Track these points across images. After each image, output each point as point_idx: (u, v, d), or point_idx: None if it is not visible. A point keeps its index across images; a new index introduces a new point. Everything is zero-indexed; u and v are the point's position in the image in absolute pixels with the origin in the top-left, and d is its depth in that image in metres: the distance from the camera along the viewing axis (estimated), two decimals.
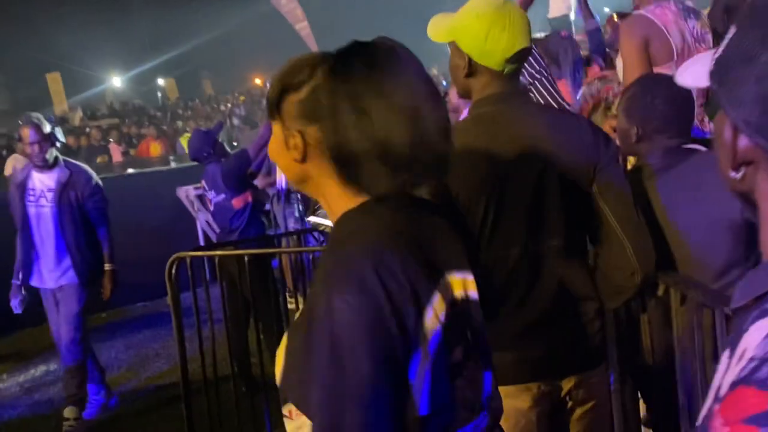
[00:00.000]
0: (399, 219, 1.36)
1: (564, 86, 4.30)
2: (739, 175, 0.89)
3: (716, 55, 0.93)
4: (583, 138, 2.22)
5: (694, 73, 1.01)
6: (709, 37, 3.50)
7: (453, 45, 2.28)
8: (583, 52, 4.85)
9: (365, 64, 1.34)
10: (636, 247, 2.17)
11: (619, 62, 3.51)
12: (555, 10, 10.33)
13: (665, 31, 3.33)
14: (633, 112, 2.66)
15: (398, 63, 1.36)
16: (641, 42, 3.33)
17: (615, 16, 6.83)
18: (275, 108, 1.42)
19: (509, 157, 2.17)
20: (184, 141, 12.14)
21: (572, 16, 10.91)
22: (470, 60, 2.24)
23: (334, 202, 1.40)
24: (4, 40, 28.21)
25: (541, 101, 3.21)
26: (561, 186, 2.18)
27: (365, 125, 1.31)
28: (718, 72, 0.92)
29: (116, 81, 34.60)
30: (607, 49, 5.23)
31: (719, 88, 0.91)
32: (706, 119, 3.40)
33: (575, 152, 2.20)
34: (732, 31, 0.92)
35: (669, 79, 2.78)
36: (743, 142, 0.87)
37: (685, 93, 2.68)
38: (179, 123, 20.80)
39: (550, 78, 3.31)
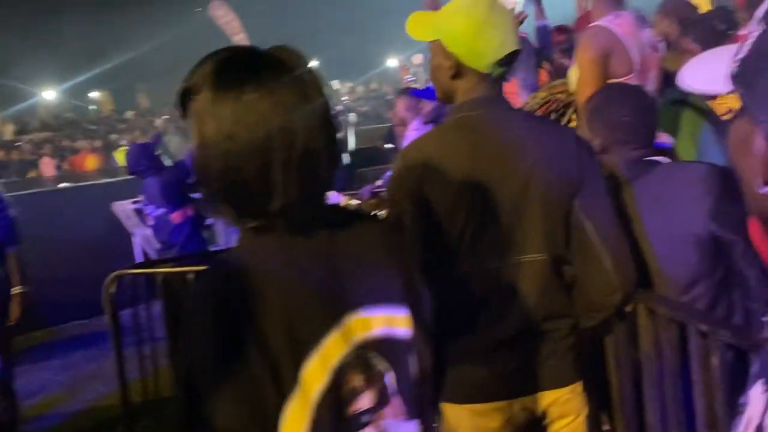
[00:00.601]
0: (279, 256, 1.26)
1: (513, 86, 4.28)
2: None
3: (740, 56, 0.83)
4: (567, 149, 2.13)
5: (703, 77, 0.91)
6: (662, 45, 3.48)
7: (437, 44, 2.17)
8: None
9: (239, 82, 1.25)
10: (617, 265, 2.08)
11: (572, 72, 3.44)
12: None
13: (624, 43, 3.28)
14: (596, 124, 2.59)
15: (276, 80, 1.26)
16: (600, 55, 3.27)
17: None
18: (182, 110, 1.34)
19: (491, 165, 2.07)
20: (119, 155, 11.85)
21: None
22: (457, 61, 2.13)
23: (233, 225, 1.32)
24: None
25: None
26: (543, 198, 2.08)
27: (228, 148, 1.22)
28: (743, 74, 0.81)
29: (49, 94, 33.90)
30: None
31: (747, 92, 0.81)
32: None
33: (559, 163, 2.10)
34: (757, 29, 0.82)
35: (632, 89, 2.73)
36: None
37: (649, 102, 2.63)
38: (114, 136, 20.40)
39: None
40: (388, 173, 3.50)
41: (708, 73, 0.89)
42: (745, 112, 0.81)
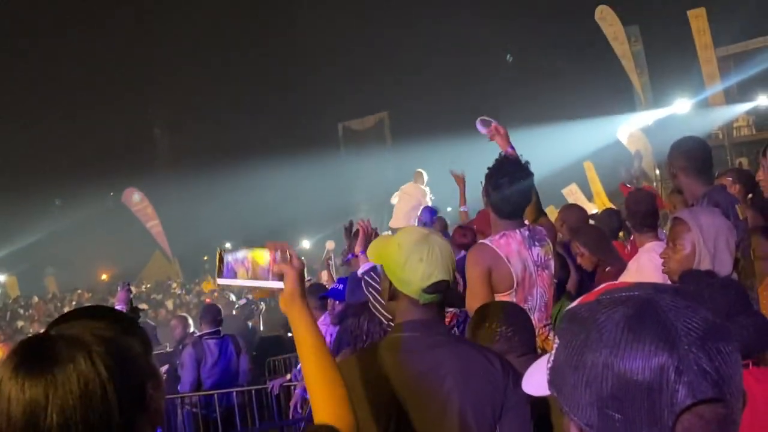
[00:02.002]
0: None
1: None
2: None
3: (549, 365, 1.09)
4: (492, 377, 2.23)
5: (536, 383, 1.15)
6: (552, 263, 3.77)
7: (381, 268, 2.37)
8: None
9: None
10: None
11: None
12: (396, 221, 10.53)
13: (507, 261, 3.56)
14: (478, 340, 2.87)
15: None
16: (484, 271, 3.54)
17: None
18: None
19: (410, 389, 2.17)
20: None
21: (407, 208, 11.02)
22: (391, 285, 2.31)
23: None
24: None
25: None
26: (460, 425, 2.16)
27: None
28: (554, 380, 1.07)
29: None
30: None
31: (559, 395, 1.06)
32: (551, 336, 3.61)
33: (481, 391, 2.20)
34: (557, 341, 1.08)
35: (509, 305, 3.05)
36: None
37: (523, 316, 2.95)
38: (19, 323, 19.73)
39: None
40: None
41: (537, 378, 1.14)
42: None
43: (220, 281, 1.92)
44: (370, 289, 3.57)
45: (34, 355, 1.31)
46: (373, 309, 3.54)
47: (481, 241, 3.71)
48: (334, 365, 1.83)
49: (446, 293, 2.33)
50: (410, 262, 2.24)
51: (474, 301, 3.46)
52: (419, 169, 11.39)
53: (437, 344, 2.27)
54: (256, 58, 39.51)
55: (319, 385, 1.79)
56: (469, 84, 33.44)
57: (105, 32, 38.41)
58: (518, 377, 2.30)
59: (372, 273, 3.68)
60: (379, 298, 3.55)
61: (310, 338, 1.83)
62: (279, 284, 1.87)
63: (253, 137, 36.78)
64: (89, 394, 1.29)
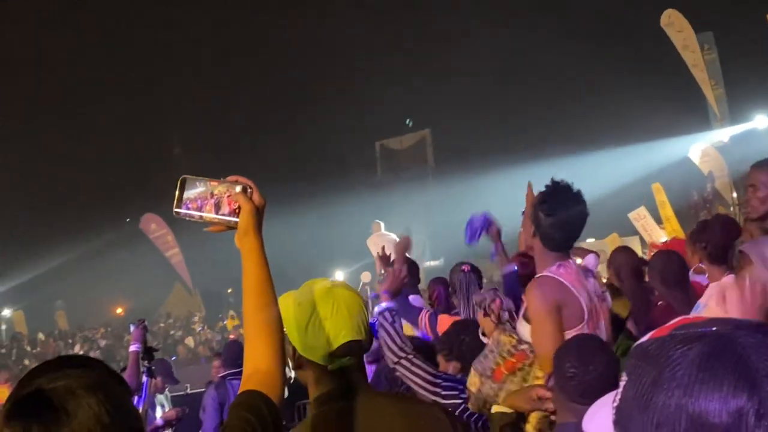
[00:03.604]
0: None
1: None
2: None
3: (615, 404, 1.09)
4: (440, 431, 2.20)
5: (599, 423, 1.16)
6: (608, 295, 3.74)
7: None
8: None
9: None
10: None
11: (522, 326, 3.66)
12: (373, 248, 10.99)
13: (575, 292, 3.48)
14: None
15: None
16: (553, 306, 3.44)
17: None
18: None
19: None
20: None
21: (381, 262, 12.03)
22: (295, 351, 2.17)
23: None
24: None
25: (410, 383, 3.40)
26: None
27: None
28: (620, 420, 1.08)
29: None
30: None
31: None
32: None
33: None
34: (624, 378, 1.08)
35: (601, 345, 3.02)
36: None
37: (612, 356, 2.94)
38: (27, 362, 20.05)
39: (411, 356, 3.52)
40: None
41: (601, 417, 1.14)
42: None
43: (177, 211, 1.97)
44: (382, 331, 3.58)
45: (41, 412, 1.37)
46: (385, 350, 3.58)
47: (542, 273, 3.64)
48: (277, 309, 1.88)
49: (360, 354, 2.19)
50: (313, 323, 2.12)
51: (543, 339, 3.39)
52: (376, 220, 12.81)
53: (375, 407, 2.15)
54: (283, 73, 39.83)
55: (256, 325, 1.85)
56: (519, 101, 33.30)
57: (122, 52, 39.09)
58: (468, 429, 2.38)
59: (387, 313, 3.67)
60: (389, 340, 3.57)
61: (259, 271, 1.89)
62: (234, 219, 1.93)
63: (281, 159, 37.01)
64: None
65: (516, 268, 5.09)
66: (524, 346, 3.53)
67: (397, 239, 12.02)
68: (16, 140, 35.89)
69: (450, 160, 29.49)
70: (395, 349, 3.51)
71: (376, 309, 3.87)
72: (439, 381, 3.44)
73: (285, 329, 2.08)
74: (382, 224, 12.88)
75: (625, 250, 6.20)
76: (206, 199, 1.95)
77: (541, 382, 3.27)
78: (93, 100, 38.51)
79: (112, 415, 1.39)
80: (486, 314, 3.50)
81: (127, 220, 35.34)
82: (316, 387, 2.17)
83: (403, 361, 3.51)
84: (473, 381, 3.44)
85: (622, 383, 1.08)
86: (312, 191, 30.32)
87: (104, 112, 37.81)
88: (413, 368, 3.50)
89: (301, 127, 37.82)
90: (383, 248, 4.97)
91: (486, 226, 5.12)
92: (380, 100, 33.92)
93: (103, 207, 33.95)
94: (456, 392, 3.54)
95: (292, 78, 39.42)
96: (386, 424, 2.11)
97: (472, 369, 3.51)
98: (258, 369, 1.78)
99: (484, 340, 3.79)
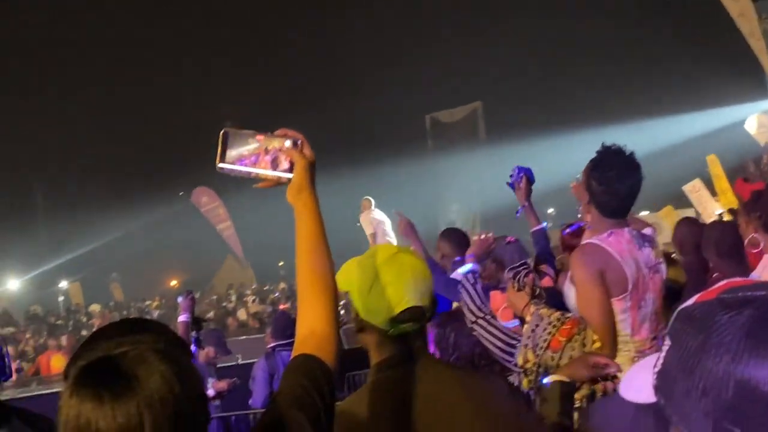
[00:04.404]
0: None
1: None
2: None
3: (657, 369, 1.06)
4: (501, 404, 2.19)
5: (638, 387, 1.13)
6: (663, 266, 3.68)
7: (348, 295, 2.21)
8: None
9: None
10: None
11: (569, 289, 3.65)
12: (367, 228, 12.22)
13: (620, 260, 3.47)
14: None
15: None
16: (596, 272, 3.45)
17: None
18: None
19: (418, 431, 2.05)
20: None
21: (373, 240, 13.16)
22: (357, 314, 2.18)
23: None
24: None
25: (486, 342, 3.41)
26: None
27: None
28: (662, 386, 1.05)
29: (12, 284, 33.93)
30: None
31: (667, 403, 1.03)
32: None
33: (494, 419, 2.13)
34: (667, 342, 1.06)
35: None
36: None
37: None
38: (84, 332, 20.41)
39: (489, 317, 3.54)
40: None
41: (639, 382, 1.12)
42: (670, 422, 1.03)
43: (221, 166, 1.87)
44: (464, 292, 3.65)
45: (112, 379, 1.33)
46: (464, 310, 3.63)
47: (588, 240, 3.62)
48: (332, 268, 1.84)
49: (423, 321, 2.17)
50: (376, 287, 2.12)
51: (589, 307, 3.40)
52: (366, 197, 13.20)
53: (436, 379, 2.14)
54: (331, 46, 39.82)
55: (313, 285, 1.80)
56: (571, 71, 32.87)
57: (173, 24, 39.40)
58: (529, 401, 2.38)
59: (470, 275, 3.78)
60: (469, 300, 3.60)
61: (315, 228, 1.86)
62: (288, 174, 1.87)
63: (331, 132, 37.04)
64: (172, 410, 1.34)
65: (546, 225, 5.17)
66: (571, 314, 3.53)
67: (386, 219, 12.43)
68: (73, 118, 36.44)
69: (501, 132, 29.15)
70: (474, 309, 3.57)
71: (460, 270, 4.04)
72: (514, 343, 3.43)
73: (349, 291, 2.16)
74: (373, 201, 13.15)
75: (689, 223, 6.07)
76: (260, 154, 1.87)
77: (599, 344, 3.24)
78: (145, 75, 38.93)
79: (182, 382, 1.36)
80: (520, 288, 3.49)
81: (180, 193, 35.73)
82: (377, 352, 2.18)
83: (481, 321, 3.54)
84: (527, 357, 3.42)
85: (665, 347, 1.06)
86: (363, 164, 30.30)
87: (157, 86, 38.19)
88: (490, 328, 3.52)
89: (351, 100, 37.77)
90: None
91: (519, 179, 5.10)
92: (430, 72, 33.71)
93: (156, 181, 34.35)
94: None
95: (347, 51, 39.42)
96: (445, 391, 2.11)
97: (521, 348, 3.50)
98: (314, 332, 1.75)
99: (503, 322, 3.78)
